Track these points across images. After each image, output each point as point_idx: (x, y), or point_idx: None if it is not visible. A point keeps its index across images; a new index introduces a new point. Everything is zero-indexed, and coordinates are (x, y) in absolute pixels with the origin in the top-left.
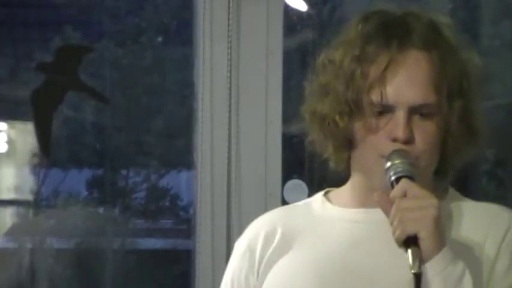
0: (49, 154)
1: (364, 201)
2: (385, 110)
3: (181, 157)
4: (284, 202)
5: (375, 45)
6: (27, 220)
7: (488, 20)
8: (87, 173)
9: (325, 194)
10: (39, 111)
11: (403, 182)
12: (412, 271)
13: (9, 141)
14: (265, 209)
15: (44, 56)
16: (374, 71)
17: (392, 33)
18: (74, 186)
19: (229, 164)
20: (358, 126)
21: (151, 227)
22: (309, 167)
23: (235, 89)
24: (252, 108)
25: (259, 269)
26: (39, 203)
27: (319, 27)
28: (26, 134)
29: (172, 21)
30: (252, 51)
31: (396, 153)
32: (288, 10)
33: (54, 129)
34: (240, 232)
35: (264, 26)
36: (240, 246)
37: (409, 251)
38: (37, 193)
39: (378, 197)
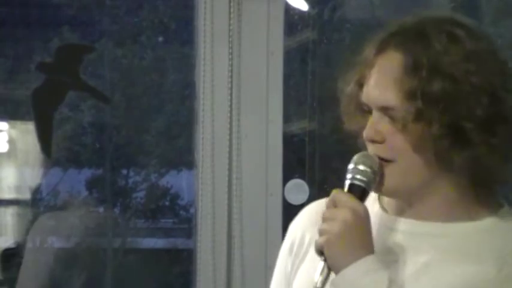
0: (50, 154)
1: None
2: (369, 109)
3: (182, 157)
4: (285, 201)
5: (370, 49)
6: (27, 220)
7: (489, 19)
8: (87, 173)
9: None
10: (39, 111)
11: (333, 192)
12: (316, 285)
13: (10, 141)
14: (266, 209)
15: (44, 56)
16: (363, 72)
17: (383, 38)
18: (74, 186)
19: (230, 163)
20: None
21: (151, 227)
22: (310, 167)
23: (236, 88)
24: (253, 108)
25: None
26: (39, 202)
27: (320, 27)
28: (26, 134)
29: (172, 21)
30: (253, 50)
31: (362, 157)
32: (288, 10)
33: (55, 129)
34: (241, 231)
35: (265, 26)
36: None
37: (320, 264)
38: (37, 193)
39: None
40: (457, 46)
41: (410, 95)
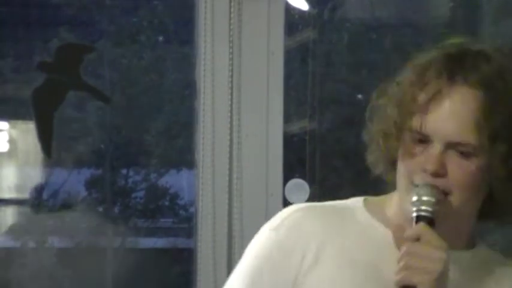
0: (50, 154)
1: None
2: (424, 138)
3: (182, 156)
4: (285, 201)
5: (429, 73)
6: (28, 219)
7: (489, 19)
8: (86, 173)
9: (365, 202)
10: (40, 110)
11: (420, 226)
12: None
13: (11, 141)
14: (267, 209)
15: (44, 56)
16: (421, 98)
17: (448, 65)
18: (73, 186)
19: (230, 163)
20: (401, 149)
21: (151, 226)
22: (310, 166)
23: (237, 88)
24: (253, 108)
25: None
26: (39, 202)
27: (320, 26)
28: (27, 134)
29: (172, 21)
30: (253, 50)
31: (425, 188)
32: (289, 9)
33: (55, 129)
34: (241, 231)
35: (265, 25)
36: (273, 239)
37: None
38: (38, 192)
39: (394, 228)
40: None
41: (495, 137)
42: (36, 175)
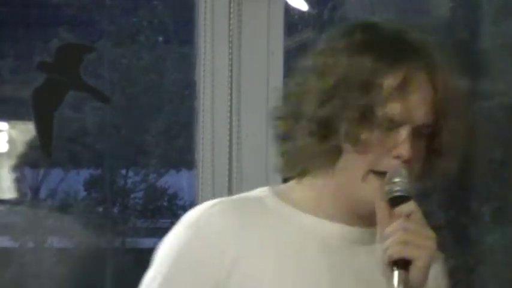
0: (50, 154)
1: (349, 215)
2: (391, 126)
3: (182, 156)
4: None
5: (388, 58)
6: (27, 220)
7: (490, 19)
8: (85, 173)
9: (274, 191)
10: (40, 110)
11: (411, 204)
12: None
13: (10, 141)
14: None
15: (44, 56)
16: (388, 84)
17: (405, 51)
18: (72, 186)
19: (230, 163)
20: (362, 136)
21: (150, 227)
22: None
23: (236, 88)
24: (253, 108)
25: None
26: (39, 202)
27: (320, 26)
28: (26, 134)
29: (173, 21)
30: (253, 50)
31: (399, 171)
32: (289, 10)
33: (55, 129)
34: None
35: (265, 26)
36: (189, 237)
37: (397, 272)
38: (37, 193)
39: (382, 205)
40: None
41: (446, 115)
42: (35, 175)
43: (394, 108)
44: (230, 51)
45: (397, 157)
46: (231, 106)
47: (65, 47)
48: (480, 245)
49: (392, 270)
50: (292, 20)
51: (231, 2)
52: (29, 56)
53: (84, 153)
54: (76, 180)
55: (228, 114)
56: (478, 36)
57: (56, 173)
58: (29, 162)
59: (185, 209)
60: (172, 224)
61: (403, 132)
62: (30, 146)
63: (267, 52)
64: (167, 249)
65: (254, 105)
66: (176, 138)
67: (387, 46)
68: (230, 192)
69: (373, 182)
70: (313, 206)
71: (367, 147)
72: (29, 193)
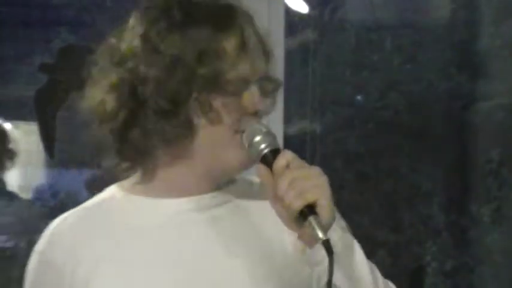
0: (53, 154)
1: (197, 188)
2: (245, 86)
3: None
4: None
5: (221, 25)
6: (29, 218)
7: (489, 20)
8: (87, 173)
9: (119, 187)
10: (43, 111)
11: (286, 153)
12: (324, 239)
13: (13, 141)
14: None
15: (45, 57)
16: (231, 48)
17: (232, 17)
18: (75, 186)
19: None
20: (218, 106)
21: None
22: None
23: None
24: None
25: None
26: (42, 202)
27: (321, 27)
28: (30, 135)
29: None
30: None
31: (257, 128)
32: (289, 10)
33: (57, 129)
34: None
35: (266, 26)
36: (33, 267)
37: (311, 218)
38: (40, 192)
39: (261, 169)
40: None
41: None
42: (38, 175)
43: (243, 69)
44: None
45: (255, 113)
46: None
47: (67, 48)
48: (479, 245)
49: (305, 220)
50: (293, 20)
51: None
52: (30, 56)
53: (86, 154)
54: (79, 180)
55: None
56: (478, 37)
57: (59, 173)
58: (32, 162)
59: None
60: None
61: (253, 88)
62: (33, 146)
63: None
64: (27, 279)
65: None
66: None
67: (213, 15)
68: None
69: (235, 137)
70: (148, 189)
71: (227, 112)
72: (32, 193)
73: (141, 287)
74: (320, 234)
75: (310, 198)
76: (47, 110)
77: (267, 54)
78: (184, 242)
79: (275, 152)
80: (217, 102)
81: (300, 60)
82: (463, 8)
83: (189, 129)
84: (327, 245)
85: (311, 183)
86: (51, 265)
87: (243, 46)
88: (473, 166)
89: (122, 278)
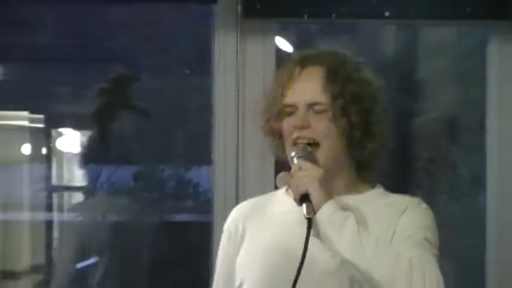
0: (108, 154)
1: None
2: (292, 110)
3: (202, 157)
4: (275, 187)
5: (287, 68)
6: (91, 201)
7: (426, 54)
8: (133, 168)
9: (286, 189)
10: (101, 123)
11: (298, 160)
12: (306, 216)
13: (81, 145)
14: (262, 192)
15: (103, 83)
16: (283, 82)
17: (299, 59)
18: (124, 177)
19: (237, 161)
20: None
21: (180, 207)
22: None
23: (242, 107)
24: (254, 121)
25: (236, 247)
26: (99, 190)
27: None
28: (91, 140)
29: (195, 58)
30: (253, 80)
31: (296, 145)
32: (279, 50)
33: (112, 136)
34: None
35: (261, 62)
36: (225, 226)
37: (304, 205)
38: (98, 182)
39: (282, 175)
40: (360, 70)
41: (338, 95)
42: (98, 169)
43: (287, 97)
44: (237, 80)
45: (295, 127)
46: (237, 120)
47: (117, 77)
48: None
49: (301, 205)
50: (281, 57)
51: (238, 46)
52: (92, 83)
53: (133, 153)
54: (127, 173)
55: (236, 126)
56: (417, 68)
57: (112, 168)
58: (93, 159)
59: (205, 194)
60: (195, 204)
61: (297, 111)
62: (94, 148)
63: (263, 81)
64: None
65: (255, 120)
66: (198, 144)
67: (289, 63)
68: (237, 182)
69: (291, 150)
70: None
71: (286, 127)
72: (92, 182)
73: (267, 242)
74: (305, 214)
75: (300, 188)
76: (104, 122)
77: (321, 87)
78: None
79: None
80: (277, 125)
81: None
82: (405, 47)
83: (280, 146)
84: (308, 221)
85: (303, 178)
86: (228, 232)
87: (289, 81)
88: (410, 163)
89: (260, 236)
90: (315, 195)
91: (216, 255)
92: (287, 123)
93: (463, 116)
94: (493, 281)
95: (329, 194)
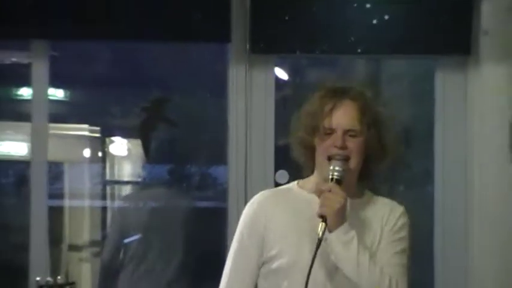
0: (148, 157)
1: (316, 190)
2: (331, 131)
3: (220, 158)
4: (276, 183)
5: (326, 98)
6: (136, 192)
7: (388, 80)
8: (167, 166)
9: (298, 183)
10: (144, 133)
11: (331, 184)
12: (318, 237)
13: (128, 149)
14: (265, 187)
15: (145, 103)
16: (326, 108)
17: (336, 92)
18: (161, 174)
19: (245, 162)
20: (317, 141)
21: (203, 195)
22: (290, 164)
23: (249, 121)
24: (258, 130)
25: (265, 228)
26: (143, 183)
27: (293, 87)
28: (136, 146)
29: (216, 83)
30: (258, 100)
31: (336, 160)
32: (277, 78)
33: (150, 143)
34: (251, 197)
35: (264, 86)
36: (250, 212)
37: (320, 224)
38: (142, 177)
39: (318, 186)
40: (381, 108)
41: (368, 125)
42: (141, 167)
43: (328, 122)
44: (246, 101)
45: (335, 146)
46: (246, 131)
47: (156, 98)
48: None
49: (320, 222)
50: (278, 82)
51: (246, 74)
52: (136, 104)
53: (166, 155)
54: (163, 170)
55: (244, 136)
56: (379, 91)
57: (152, 167)
58: (138, 160)
59: (221, 186)
60: (214, 194)
61: (337, 134)
62: (138, 152)
63: (265, 101)
64: (242, 217)
65: (258, 129)
66: (216, 148)
67: (328, 92)
68: (245, 177)
69: (328, 165)
70: (311, 187)
71: (323, 144)
72: (138, 178)
73: (290, 232)
74: (318, 234)
75: (321, 211)
76: (145, 132)
77: (362, 117)
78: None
79: (337, 180)
80: (318, 139)
81: (282, 104)
82: (372, 75)
83: (311, 153)
84: (318, 242)
85: (327, 203)
86: (253, 218)
87: (332, 109)
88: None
89: (282, 226)
90: (330, 220)
91: (230, 234)
92: (327, 142)
93: (416, 127)
94: (440, 247)
95: (343, 217)
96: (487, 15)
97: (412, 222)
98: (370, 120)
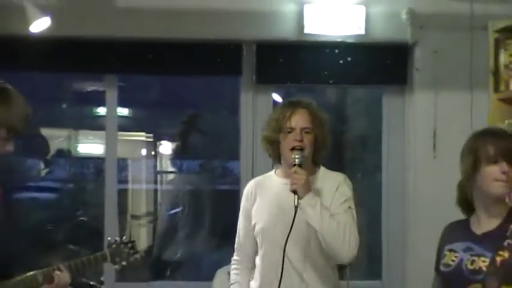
0: (186, 154)
1: (285, 174)
2: (291, 130)
3: (234, 155)
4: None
5: (286, 107)
6: (177, 179)
7: (352, 102)
8: (197, 161)
9: (275, 171)
10: (183, 136)
11: (295, 168)
12: (294, 205)
13: (172, 150)
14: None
15: (184, 118)
16: (286, 115)
17: (292, 103)
18: (193, 166)
19: (252, 159)
20: (281, 137)
21: (222, 181)
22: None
23: (255, 132)
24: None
25: (252, 203)
26: (181, 172)
27: None
28: (177, 147)
29: (231, 104)
30: (260, 118)
31: (296, 150)
32: (274, 101)
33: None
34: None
35: (265, 107)
36: (245, 192)
37: (294, 197)
38: (179, 169)
39: (286, 171)
40: (324, 113)
41: (317, 125)
42: (180, 162)
43: (289, 123)
44: (253, 118)
45: (295, 140)
46: (253, 139)
47: (192, 114)
48: None
49: (294, 195)
50: (275, 104)
51: (253, 98)
52: (178, 117)
53: (195, 154)
54: (194, 164)
55: (252, 141)
56: (345, 110)
57: (186, 161)
58: (178, 157)
59: (236, 175)
60: (230, 180)
61: (296, 131)
62: (179, 151)
63: (266, 117)
64: (243, 195)
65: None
66: (232, 149)
67: (286, 104)
68: (252, 169)
69: (291, 154)
70: (282, 174)
71: (286, 140)
72: (177, 168)
73: (266, 210)
74: (294, 203)
75: (293, 188)
76: (184, 138)
77: (309, 119)
78: (285, 196)
79: (299, 165)
80: (282, 137)
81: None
82: (340, 99)
83: (277, 147)
84: (295, 208)
85: (296, 181)
86: (245, 196)
87: (291, 114)
88: (342, 158)
89: (262, 205)
90: (300, 192)
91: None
92: (289, 137)
93: (369, 134)
94: (385, 217)
95: (308, 188)
96: (419, 56)
97: (365, 200)
98: (318, 122)
